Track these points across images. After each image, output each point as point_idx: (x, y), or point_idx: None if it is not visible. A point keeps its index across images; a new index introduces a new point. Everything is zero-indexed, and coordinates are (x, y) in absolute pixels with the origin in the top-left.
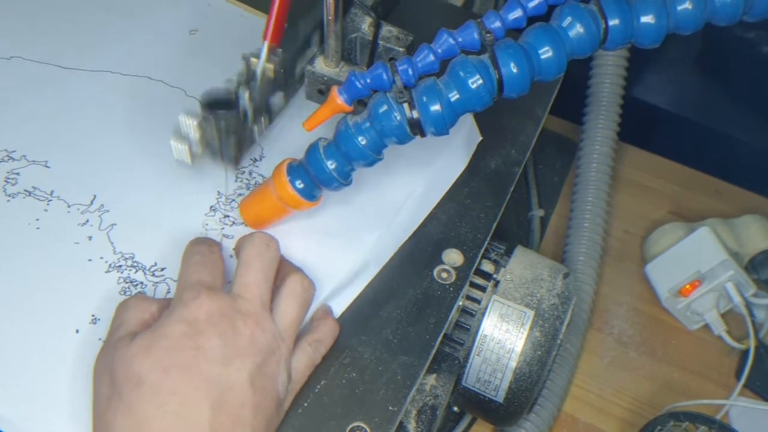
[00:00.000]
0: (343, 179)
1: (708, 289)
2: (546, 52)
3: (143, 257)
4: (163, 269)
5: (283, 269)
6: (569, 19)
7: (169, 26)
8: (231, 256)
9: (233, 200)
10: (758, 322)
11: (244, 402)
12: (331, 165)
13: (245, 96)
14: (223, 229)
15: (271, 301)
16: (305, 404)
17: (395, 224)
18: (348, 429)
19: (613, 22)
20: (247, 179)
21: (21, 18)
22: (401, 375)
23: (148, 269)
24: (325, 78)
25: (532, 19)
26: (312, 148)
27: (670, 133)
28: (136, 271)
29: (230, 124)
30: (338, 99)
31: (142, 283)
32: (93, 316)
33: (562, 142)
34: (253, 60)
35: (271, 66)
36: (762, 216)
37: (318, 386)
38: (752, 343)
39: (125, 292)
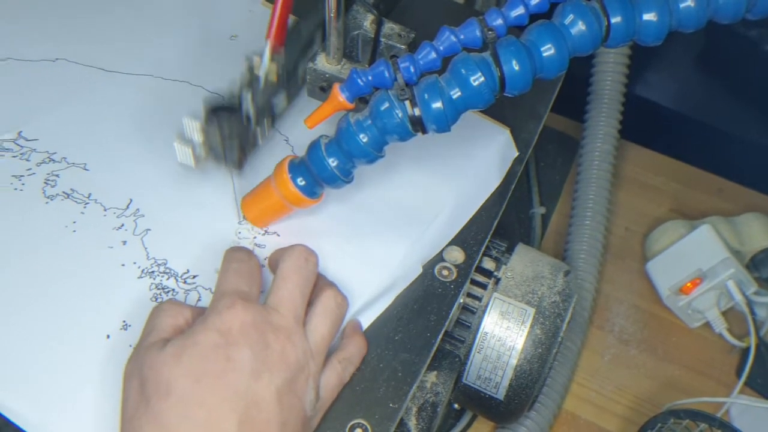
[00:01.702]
0: (345, 176)
1: (709, 287)
2: (548, 50)
3: (176, 264)
4: (195, 277)
5: (318, 283)
6: (571, 16)
7: (209, 32)
8: (262, 266)
9: None
10: (759, 320)
11: (270, 418)
12: (332, 162)
13: (248, 98)
14: (255, 238)
15: (304, 315)
16: None
17: (425, 239)
18: (349, 426)
19: (615, 19)
20: None
21: (66, 21)
22: (402, 372)
23: (180, 276)
24: (327, 75)
25: (534, 17)
26: (313, 146)
27: (671, 130)
28: (168, 278)
29: (233, 127)
30: (340, 96)
31: (173, 290)
32: (124, 322)
33: (564, 139)
34: (256, 59)
35: (274, 67)
36: (763, 214)
37: None
38: (753, 341)
39: (157, 299)
